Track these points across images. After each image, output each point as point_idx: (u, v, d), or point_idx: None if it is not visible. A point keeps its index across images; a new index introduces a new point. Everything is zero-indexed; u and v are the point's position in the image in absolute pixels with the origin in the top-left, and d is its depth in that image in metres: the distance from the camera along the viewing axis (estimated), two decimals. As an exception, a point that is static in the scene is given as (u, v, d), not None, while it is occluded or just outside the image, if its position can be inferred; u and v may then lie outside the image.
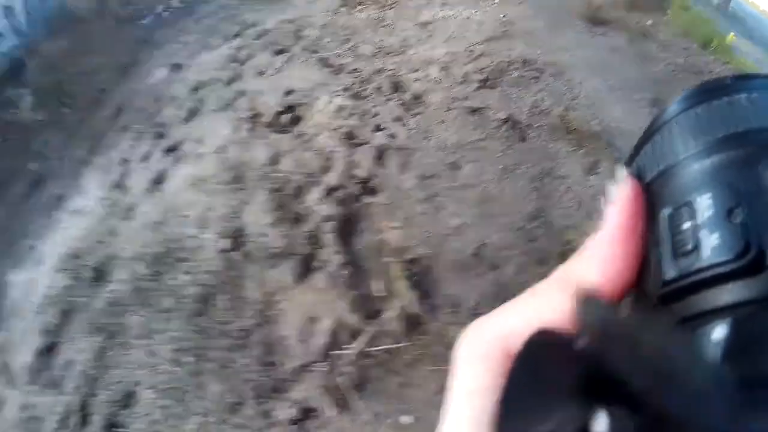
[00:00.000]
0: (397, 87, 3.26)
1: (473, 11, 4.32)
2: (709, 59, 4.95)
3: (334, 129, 2.97)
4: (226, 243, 2.74)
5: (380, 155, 2.65)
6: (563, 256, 2.15)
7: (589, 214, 2.45)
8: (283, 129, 3.29)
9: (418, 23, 4.36)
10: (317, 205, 2.57)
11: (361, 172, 2.63)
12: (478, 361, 0.26)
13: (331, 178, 2.66)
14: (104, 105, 6.43)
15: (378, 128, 2.92)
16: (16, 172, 6.55)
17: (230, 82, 4.74)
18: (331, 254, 2.33)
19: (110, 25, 7.62)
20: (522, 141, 2.76)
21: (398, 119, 2.90)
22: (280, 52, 4.72)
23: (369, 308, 2.14)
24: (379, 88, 3.26)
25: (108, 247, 3.66)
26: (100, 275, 3.43)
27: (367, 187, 2.58)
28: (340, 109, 3.15)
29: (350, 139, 2.85)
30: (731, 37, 6.93)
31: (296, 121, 3.39)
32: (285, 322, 2.28)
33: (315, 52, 4.50)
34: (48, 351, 3.20)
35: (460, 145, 2.68)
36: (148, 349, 2.75)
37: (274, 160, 3.05)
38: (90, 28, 7.64)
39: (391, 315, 2.05)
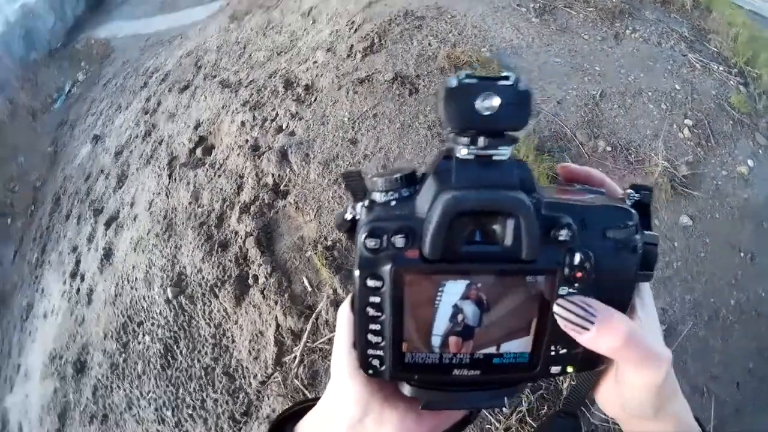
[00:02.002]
0: (289, 83, 3.35)
1: (351, -19, 4.40)
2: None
3: (241, 146, 3.08)
4: (170, 292, 2.87)
5: (284, 156, 2.76)
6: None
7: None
8: (198, 163, 3.40)
9: (302, 13, 4.43)
10: (237, 225, 2.69)
11: (269, 180, 2.74)
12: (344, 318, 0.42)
13: (245, 196, 2.78)
14: (43, 200, 6.58)
15: (279, 130, 3.02)
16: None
17: (147, 134, 4.85)
18: (257, 268, 2.45)
19: (26, 121, 7.76)
20: (414, 93, 2.84)
21: (295, 115, 2.99)
22: (184, 88, 4.82)
23: (302, 306, 2.26)
24: (274, 91, 3.35)
25: (81, 338, 3.80)
26: (81, 367, 3.58)
27: (279, 192, 2.68)
28: (243, 124, 3.25)
29: (255, 150, 2.96)
30: None
31: (209, 151, 3.50)
32: (237, 346, 2.40)
33: (215, 76, 4.60)
34: (56, 460, 3.37)
35: (354, 119, 2.78)
36: (136, 417, 2.89)
37: (196, 196, 3.17)
38: (9, 130, 7.77)
39: (322, 306, 2.16)
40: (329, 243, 2.32)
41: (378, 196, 0.39)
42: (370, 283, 0.37)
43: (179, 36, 6.74)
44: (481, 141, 0.36)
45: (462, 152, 0.37)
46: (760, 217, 2.80)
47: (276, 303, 2.27)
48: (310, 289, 2.26)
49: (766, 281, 2.54)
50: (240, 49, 4.75)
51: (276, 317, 2.25)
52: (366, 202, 0.40)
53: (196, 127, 3.91)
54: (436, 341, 0.39)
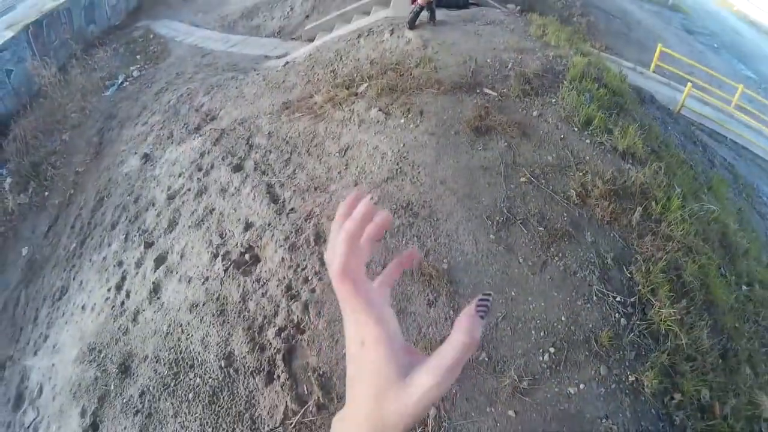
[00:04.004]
0: (318, 238, 6.82)
1: (381, 138, 7.69)
2: (583, 145, 7.27)
3: (279, 280, 6.57)
4: (223, 363, 6.42)
5: (306, 307, 6.27)
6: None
7: (425, 337, 6.13)
8: (247, 270, 6.83)
9: (339, 149, 7.68)
10: (272, 339, 6.21)
11: (295, 318, 6.21)
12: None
13: (279, 320, 6.33)
14: (83, 189, 9.68)
15: (305, 281, 6.46)
16: (8, 256, 9.94)
17: (199, 194, 7.91)
18: (280, 372, 6.04)
19: (76, 96, 10.65)
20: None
21: (317, 274, 6.49)
22: (237, 168, 7.97)
23: (301, 399, 5.57)
24: (307, 240, 6.77)
25: (125, 345, 6.51)
26: (125, 369, 6.25)
27: (300, 328, 6.07)
28: (282, 260, 6.70)
29: (288, 290, 6.39)
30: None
31: (255, 261, 6.96)
32: (261, 406, 5.92)
33: (264, 172, 7.87)
34: (92, 429, 6.20)
35: (352, 298, 6.25)
36: (180, 423, 6.37)
37: (244, 299, 6.68)
38: (57, 101, 10.57)
39: (311, 402, 5.72)
40: (321, 372, 5.83)
41: None
42: None
43: (233, 77, 9.60)
44: None
45: None
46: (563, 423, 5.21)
47: (287, 394, 5.62)
48: (307, 392, 5.78)
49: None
50: (287, 151, 7.64)
51: (286, 401, 5.67)
52: None
53: (245, 228, 7.17)
54: None
